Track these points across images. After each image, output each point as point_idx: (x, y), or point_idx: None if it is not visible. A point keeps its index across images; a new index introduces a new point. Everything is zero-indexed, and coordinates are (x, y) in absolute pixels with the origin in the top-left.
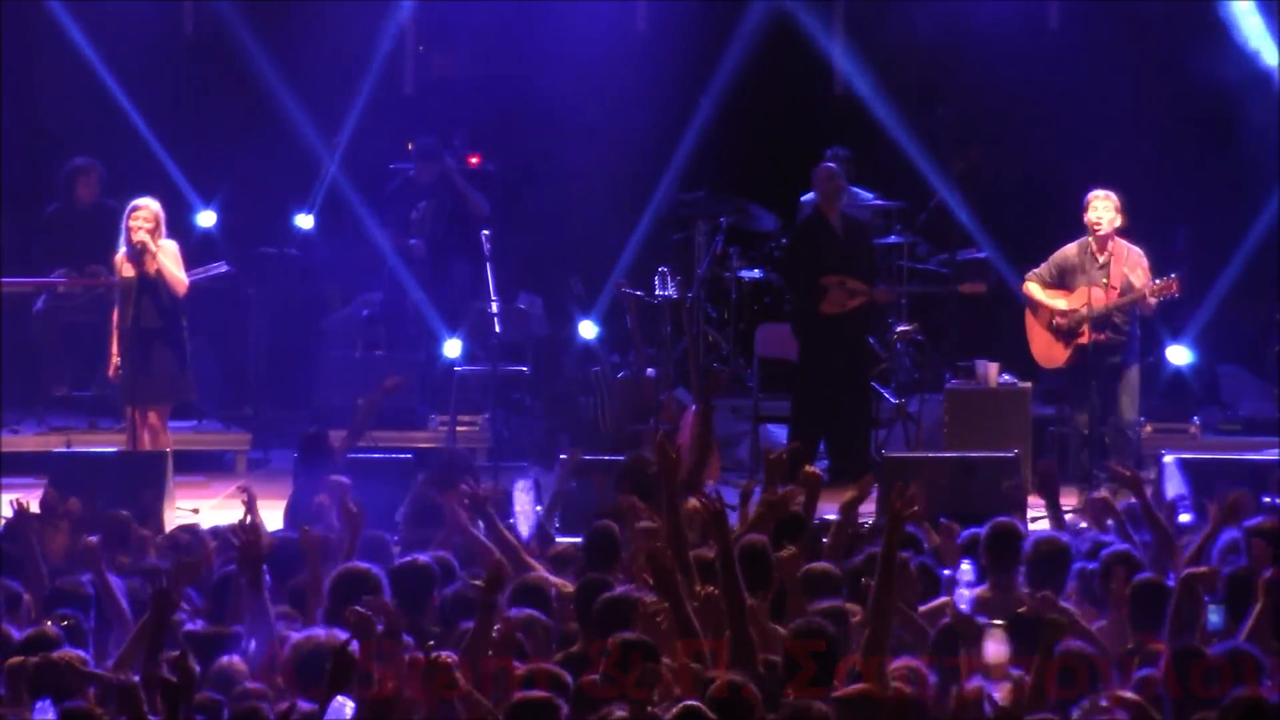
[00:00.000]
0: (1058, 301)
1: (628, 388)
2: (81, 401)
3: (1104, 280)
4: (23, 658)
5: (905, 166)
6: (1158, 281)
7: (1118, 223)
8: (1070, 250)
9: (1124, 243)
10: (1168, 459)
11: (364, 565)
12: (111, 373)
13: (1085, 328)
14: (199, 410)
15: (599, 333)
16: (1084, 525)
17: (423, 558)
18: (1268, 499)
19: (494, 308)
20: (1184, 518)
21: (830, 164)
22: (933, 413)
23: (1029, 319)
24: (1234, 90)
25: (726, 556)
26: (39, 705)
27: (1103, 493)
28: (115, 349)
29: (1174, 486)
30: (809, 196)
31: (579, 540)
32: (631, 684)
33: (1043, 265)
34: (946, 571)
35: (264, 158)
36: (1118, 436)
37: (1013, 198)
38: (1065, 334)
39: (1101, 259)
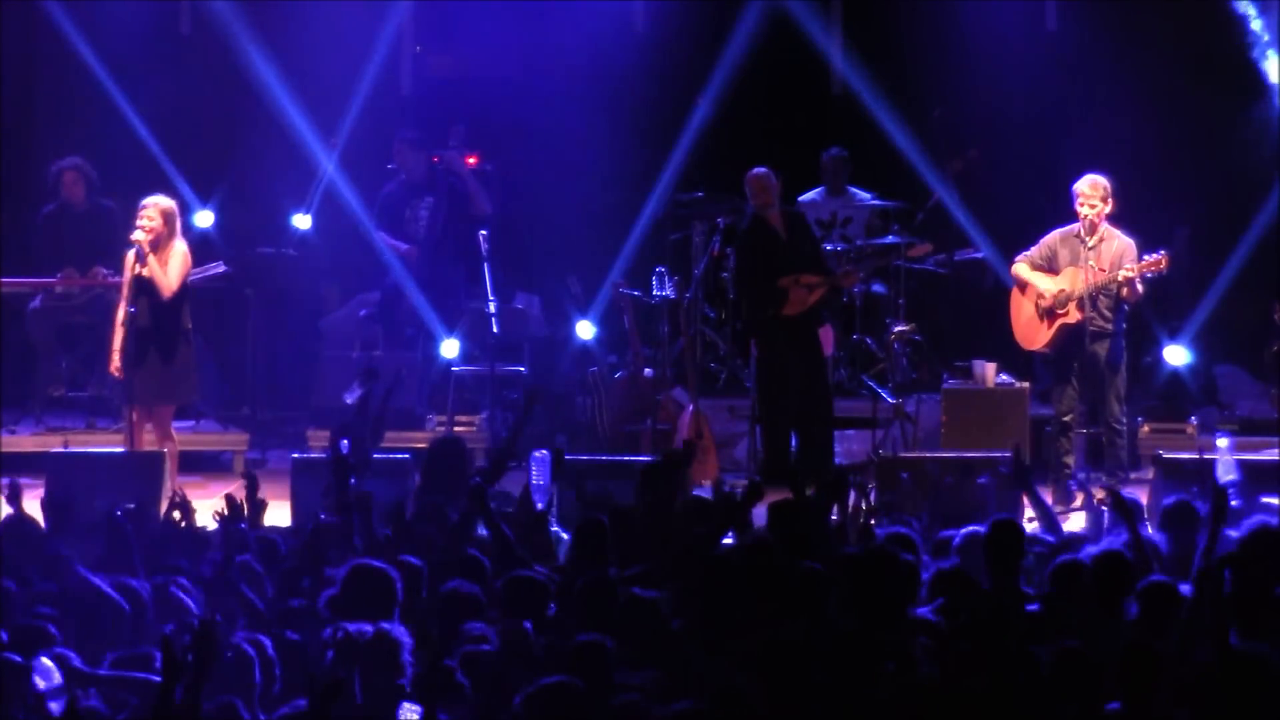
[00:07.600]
0: (1045, 281)
1: (625, 388)
2: (79, 402)
3: (1091, 262)
4: None
5: (903, 166)
6: (1146, 258)
7: (1107, 209)
8: (1060, 233)
9: (1115, 230)
10: (1221, 442)
11: (378, 564)
12: (112, 368)
13: (1071, 306)
14: (197, 410)
15: (596, 333)
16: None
17: None
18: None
19: (491, 308)
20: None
21: (760, 169)
22: (931, 413)
23: (1014, 298)
24: (1233, 90)
25: None
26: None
27: (1101, 491)
28: (117, 344)
29: (1226, 470)
30: (807, 196)
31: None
32: None
33: (1033, 248)
34: None
35: (261, 158)
36: (1112, 435)
37: (1010, 198)
38: (1048, 313)
39: (1090, 241)
